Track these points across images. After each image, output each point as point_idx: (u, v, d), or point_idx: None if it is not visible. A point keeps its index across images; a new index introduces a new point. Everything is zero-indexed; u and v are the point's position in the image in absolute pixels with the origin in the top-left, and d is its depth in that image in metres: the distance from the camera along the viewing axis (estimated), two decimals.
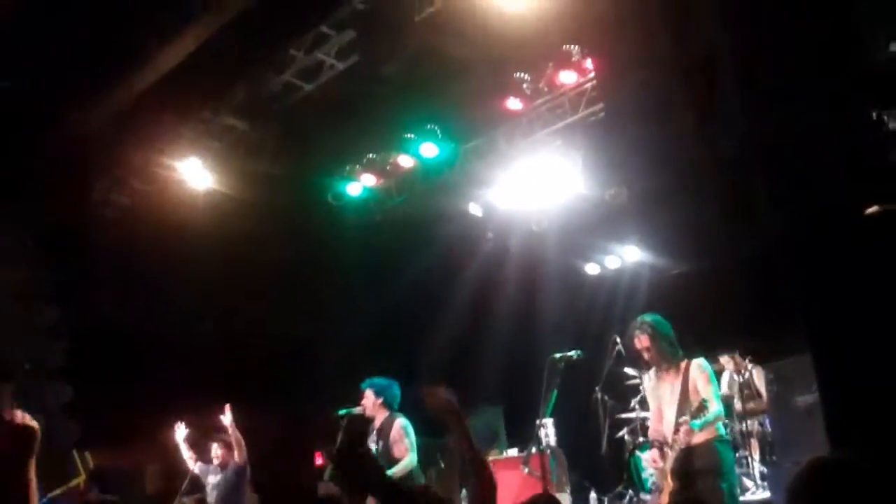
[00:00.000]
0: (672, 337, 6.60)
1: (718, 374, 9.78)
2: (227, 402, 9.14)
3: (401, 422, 7.94)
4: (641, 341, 6.61)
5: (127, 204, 10.80)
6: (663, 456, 6.42)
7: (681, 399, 6.39)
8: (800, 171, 6.30)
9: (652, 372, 6.82)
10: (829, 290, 7.59)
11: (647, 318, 6.67)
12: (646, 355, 6.63)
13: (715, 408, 6.31)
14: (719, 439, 6.43)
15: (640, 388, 9.53)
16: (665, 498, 6.31)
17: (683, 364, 6.57)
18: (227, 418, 8.84)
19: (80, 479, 10.11)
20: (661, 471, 6.41)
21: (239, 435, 8.88)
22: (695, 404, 6.25)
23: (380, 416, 8.03)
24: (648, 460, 6.65)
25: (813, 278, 7.66)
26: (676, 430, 6.32)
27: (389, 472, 7.65)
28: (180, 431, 9.43)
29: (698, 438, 6.31)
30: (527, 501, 3.68)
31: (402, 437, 7.85)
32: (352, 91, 10.01)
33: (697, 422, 6.19)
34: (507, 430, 11.39)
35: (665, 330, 6.59)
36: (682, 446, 6.27)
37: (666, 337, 6.57)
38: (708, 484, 6.22)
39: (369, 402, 8.01)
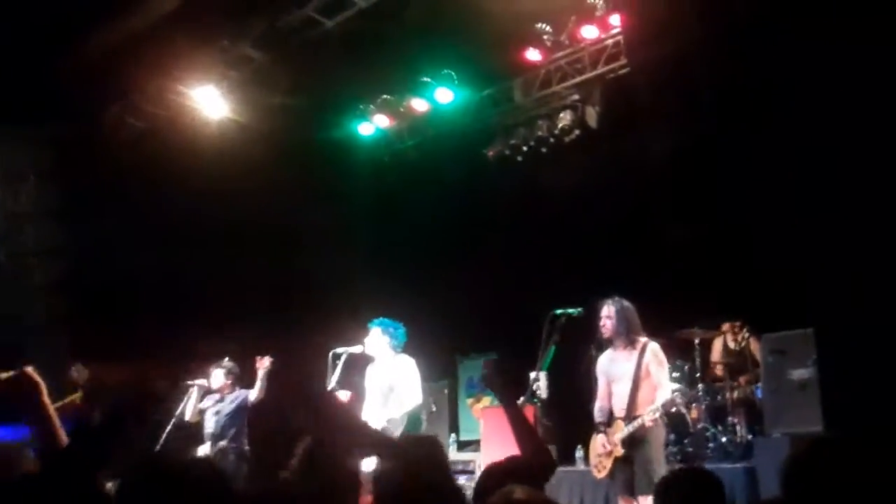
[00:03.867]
0: (635, 322, 7.12)
1: (712, 340, 9.91)
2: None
3: (410, 363, 8.09)
4: (609, 311, 7.14)
5: (140, 128, 10.79)
6: (610, 434, 7.05)
7: (635, 376, 6.97)
8: None
9: (608, 351, 7.33)
10: (835, 266, 7.69)
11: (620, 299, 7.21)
12: (607, 323, 7.14)
13: (665, 393, 6.99)
14: (662, 421, 7.08)
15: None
16: (611, 462, 7.03)
17: (640, 345, 7.06)
18: (264, 365, 8.75)
19: (77, 395, 10.23)
20: (608, 446, 7.07)
21: (266, 383, 8.81)
22: (648, 385, 6.96)
23: (384, 356, 8.14)
24: (597, 446, 7.20)
25: (820, 253, 7.76)
26: (632, 417, 6.92)
27: (399, 415, 7.83)
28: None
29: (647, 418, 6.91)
30: (504, 463, 3.69)
31: (411, 378, 8.00)
32: (371, 30, 9.96)
33: (654, 410, 6.83)
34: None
35: (631, 313, 7.13)
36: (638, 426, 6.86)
37: (630, 318, 7.11)
38: (648, 455, 6.84)
39: (375, 340, 8.10)
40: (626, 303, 7.14)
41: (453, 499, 3.23)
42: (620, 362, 7.16)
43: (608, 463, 7.02)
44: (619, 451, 6.93)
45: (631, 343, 7.10)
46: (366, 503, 3.39)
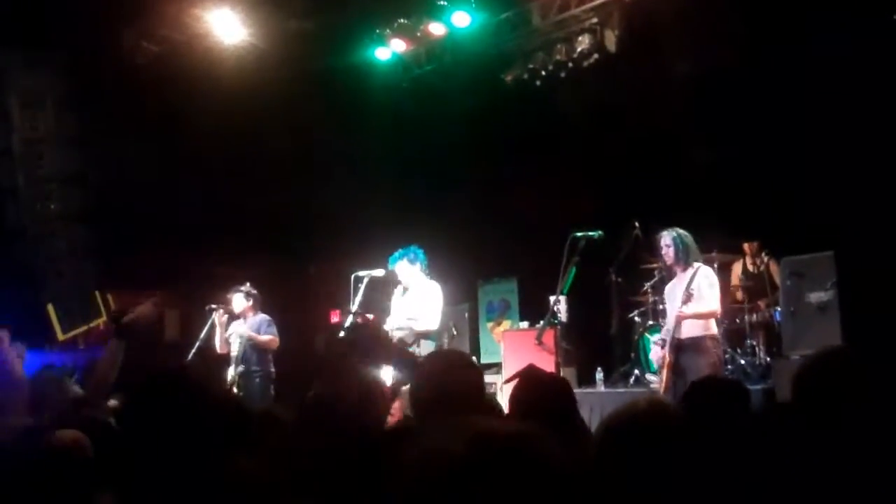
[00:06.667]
0: (690, 246, 7.37)
1: (732, 264, 9.93)
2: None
3: (436, 288, 8.20)
4: (666, 241, 7.41)
5: (156, 52, 10.72)
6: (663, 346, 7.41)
7: (684, 295, 7.19)
8: None
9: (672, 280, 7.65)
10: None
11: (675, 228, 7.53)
12: (668, 252, 7.41)
13: (712, 306, 7.25)
14: (711, 336, 7.26)
15: (654, 278, 9.70)
16: (666, 373, 7.29)
17: (693, 269, 7.30)
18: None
19: (101, 320, 10.41)
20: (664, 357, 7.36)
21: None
22: (696, 304, 7.20)
23: (416, 282, 8.23)
24: (656, 355, 7.64)
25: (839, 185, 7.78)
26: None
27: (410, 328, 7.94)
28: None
29: (693, 332, 7.20)
30: (522, 372, 3.78)
31: (431, 303, 8.10)
32: None
33: (688, 309, 7.15)
34: (520, 303, 11.60)
35: (688, 239, 7.40)
36: (676, 333, 7.23)
37: (687, 244, 7.37)
38: (698, 364, 7.06)
39: (406, 270, 8.20)
40: (682, 231, 7.41)
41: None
42: (676, 285, 7.47)
43: (665, 375, 7.30)
44: (669, 357, 7.25)
45: (687, 268, 7.37)
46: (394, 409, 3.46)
